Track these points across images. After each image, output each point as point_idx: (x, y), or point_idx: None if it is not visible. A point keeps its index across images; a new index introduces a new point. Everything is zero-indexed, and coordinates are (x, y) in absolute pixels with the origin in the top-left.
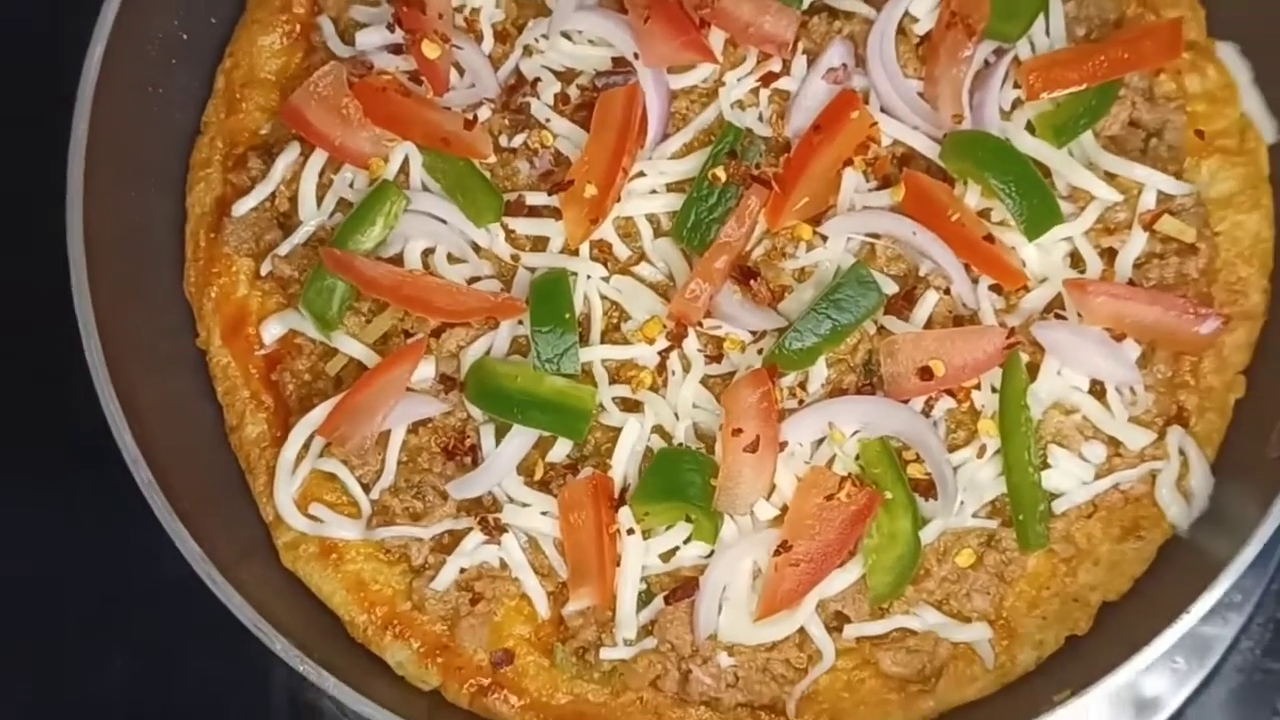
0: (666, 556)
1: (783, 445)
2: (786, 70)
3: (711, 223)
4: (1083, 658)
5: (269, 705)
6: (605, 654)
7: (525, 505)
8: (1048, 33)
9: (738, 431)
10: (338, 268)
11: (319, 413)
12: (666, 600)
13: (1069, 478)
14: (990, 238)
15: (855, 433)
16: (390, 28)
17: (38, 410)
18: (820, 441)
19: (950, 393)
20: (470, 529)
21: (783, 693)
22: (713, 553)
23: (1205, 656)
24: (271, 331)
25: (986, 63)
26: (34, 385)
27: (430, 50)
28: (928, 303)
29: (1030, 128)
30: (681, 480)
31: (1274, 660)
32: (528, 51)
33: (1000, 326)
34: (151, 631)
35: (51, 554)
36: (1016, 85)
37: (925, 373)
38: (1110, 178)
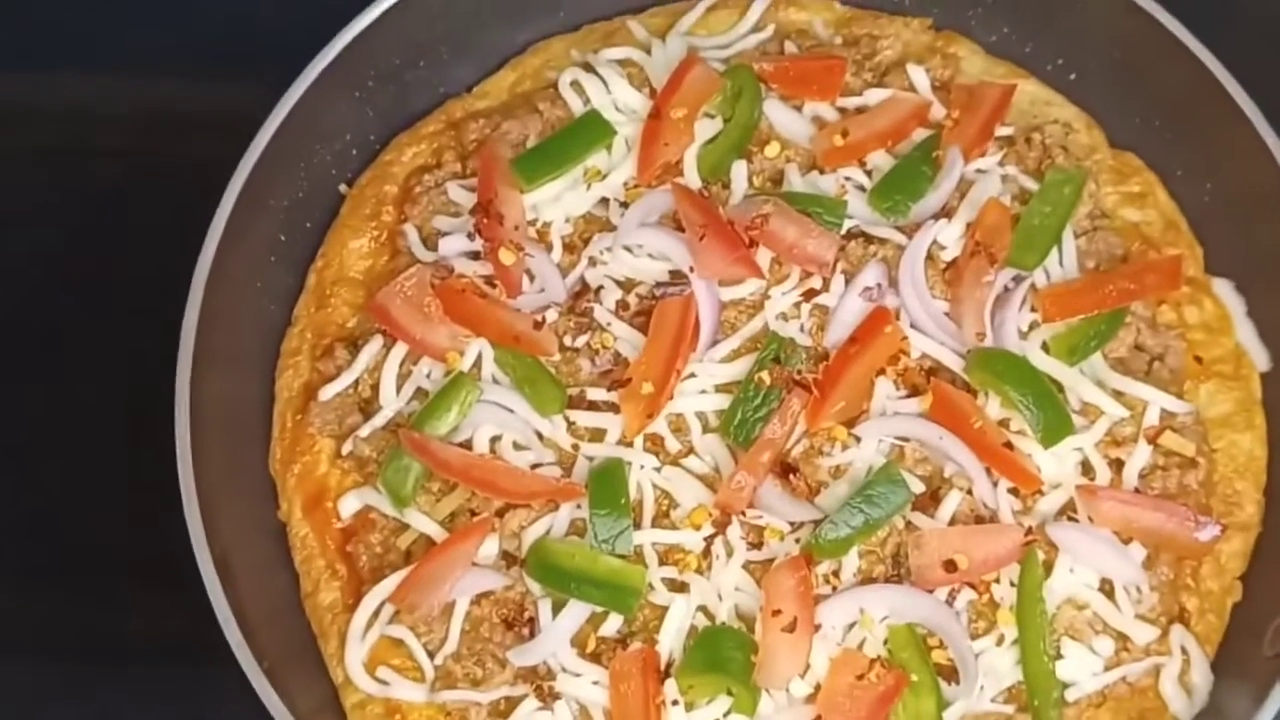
0: None
1: (817, 627)
2: (826, 287)
3: (756, 421)
4: None
5: None
6: None
7: (578, 675)
8: (1061, 264)
9: (777, 613)
10: (415, 449)
11: (390, 582)
12: None
13: (1080, 668)
14: (1009, 445)
15: (884, 618)
16: (470, 236)
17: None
18: (852, 625)
19: (971, 585)
20: (525, 695)
21: None
22: None
23: None
24: (349, 506)
25: (1006, 288)
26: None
27: (506, 257)
28: (952, 502)
29: (1045, 347)
30: (723, 656)
31: None
32: (592, 262)
33: (1019, 526)
34: None
35: None
36: (1033, 309)
37: (950, 565)
38: (1118, 395)
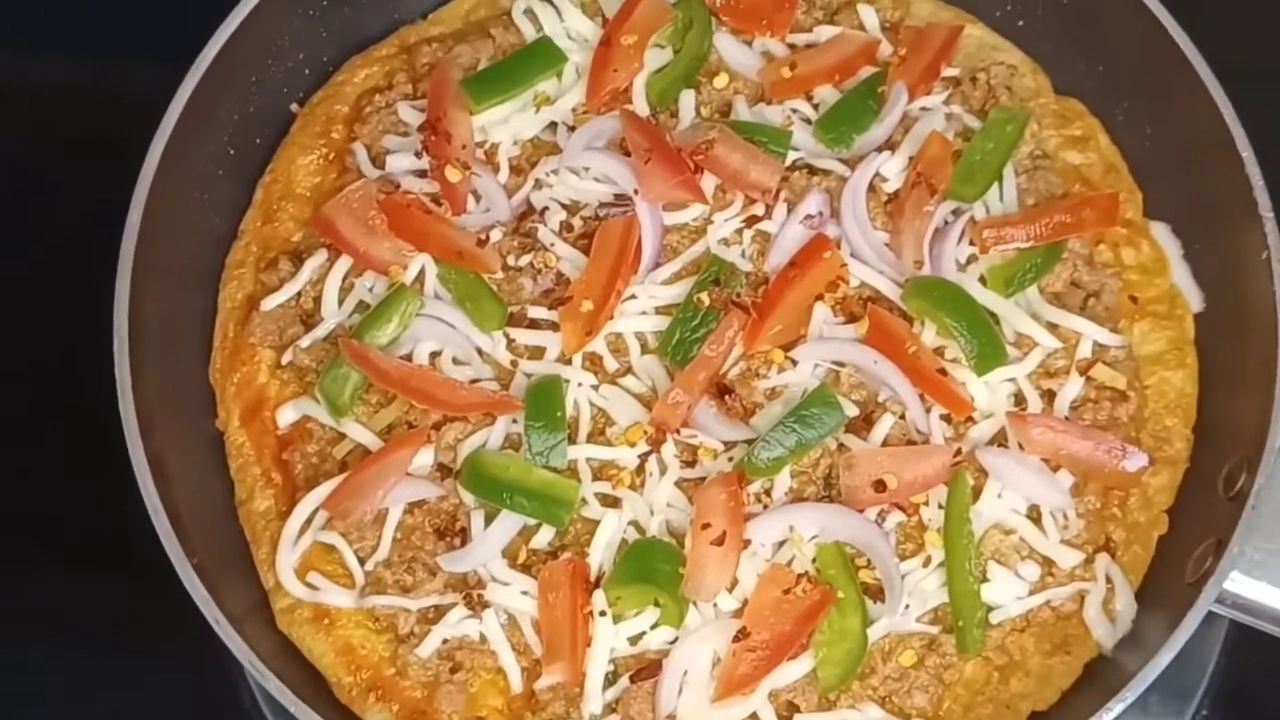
0: (634, 640)
1: (746, 544)
2: (769, 214)
3: (694, 341)
4: None
5: None
6: None
7: (507, 584)
8: (1001, 199)
9: (706, 526)
10: (354, 358)
11: (325, 488)
12: (631, 679)
13: (1005, 592)
14: (943, 371)
15: (813, 537)
16: (418, 154)
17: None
18: (781, 543)
19: (900, 507)
20: (455, 604)
21: None
22: (677, 639)
23: None
24: (286, 416)
25: (946, 221)
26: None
27: (452, 175)
28: (884, 425)
29: (982, 280)
30: (652, 567)
31: None
32: (538, 184)
33: (948, 447)
34: None
35: None
36: (972, 243)
37: (879, 485)
38: (1052, 328)
